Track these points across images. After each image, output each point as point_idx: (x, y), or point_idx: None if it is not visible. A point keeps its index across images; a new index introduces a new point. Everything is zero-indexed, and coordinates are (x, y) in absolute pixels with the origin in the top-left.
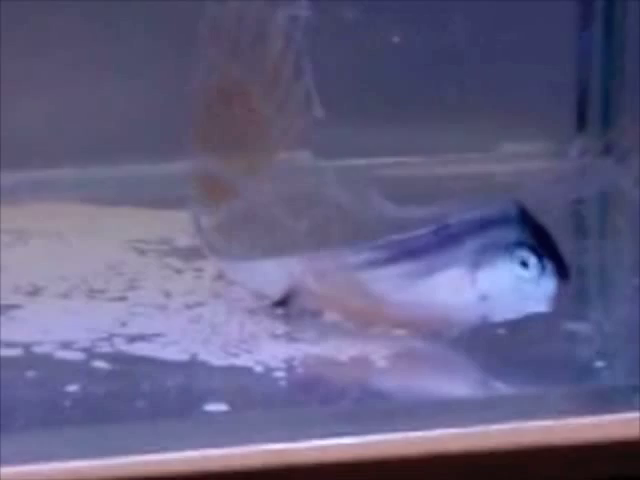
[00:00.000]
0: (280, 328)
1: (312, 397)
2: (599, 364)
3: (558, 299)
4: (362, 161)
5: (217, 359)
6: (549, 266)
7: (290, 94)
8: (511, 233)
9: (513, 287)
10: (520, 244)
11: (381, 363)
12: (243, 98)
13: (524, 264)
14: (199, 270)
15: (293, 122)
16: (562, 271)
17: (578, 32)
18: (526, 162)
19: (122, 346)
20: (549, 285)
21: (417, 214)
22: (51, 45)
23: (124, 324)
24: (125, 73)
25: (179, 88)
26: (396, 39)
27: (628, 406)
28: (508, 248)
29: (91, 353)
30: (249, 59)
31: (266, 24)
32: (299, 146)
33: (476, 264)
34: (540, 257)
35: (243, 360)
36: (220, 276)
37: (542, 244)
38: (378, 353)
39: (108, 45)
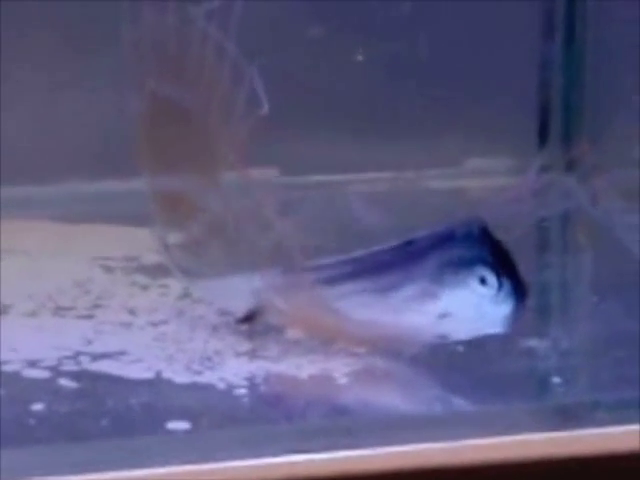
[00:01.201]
0: (244, 345)
1: (275, 414)
2: (556, 381)
3: (515, 319)
4: (329, 177)
5: (181, 377)
6: (507, 285)
7: (229, 101)
8: (471, 251)
9: (472, 305)
10: (479, 261)
11: (343, 380)
12: (181, 114)
13: (483, 282)
14: (164, 287)
15: (239, 129)
16: (520, 291)
17: (539, 51)
18: (490, 178)
19: (88, 364)
20: (507, 305)
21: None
22: (19, 63)
23: (90, 342)
24: (94, 89)
25: None
26: (362, 56)
27: (586, 422)
28: (468, 265)
29: (57, 371)
30: (177, 74)
31: (186, 35)
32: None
33: (436, 281)
34: (499, 275)
35: (206, 377)
36: (185, 293)
37: (502, 263)
38: (340, 370)
39: (76, 62)
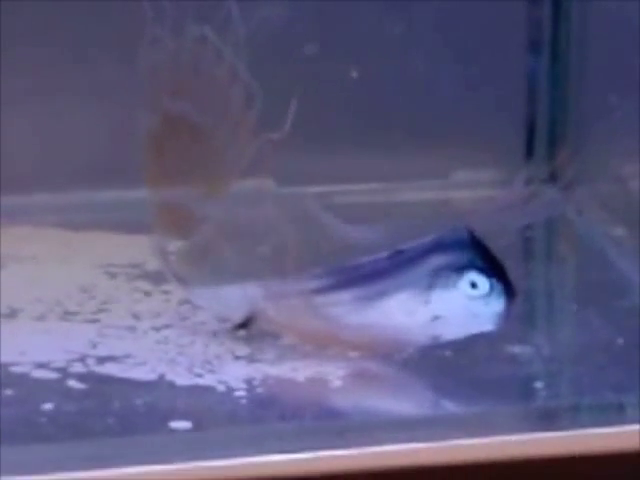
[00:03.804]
0: (241, 350)
1: (271, 415)
2: (539, 385)
3: (506, 318)
4: (319, 188)
5: (182, 379)
6: (497, 286)
7: (240, 121)
8: (462, 256)
9: (464, 307)
10: (470, 266)
11: (336, 383)
12: (190, 130)
13: (474, 285)
14: (166, 293)
15: (246, 147)
16: (509, 291)
17: (526, 67)
18: (478, 190)
19: (94, 366)
20: (497, 304)
21: (371, 236)
22: (24, 72)
23: (96, 345)
24: (98, 98)
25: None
26: (353, 70)
27: (567, 424)
28: (459, 270)
29: (65, 373)
30: (191, 93)
31: (204, 56)
32: (260, 171)
33: (429, 286)
34: (489, 278)
35: (207, 380)
36: (186, 300)
37: (490, 266)
38: (333, 374)
39: (79, 71)
